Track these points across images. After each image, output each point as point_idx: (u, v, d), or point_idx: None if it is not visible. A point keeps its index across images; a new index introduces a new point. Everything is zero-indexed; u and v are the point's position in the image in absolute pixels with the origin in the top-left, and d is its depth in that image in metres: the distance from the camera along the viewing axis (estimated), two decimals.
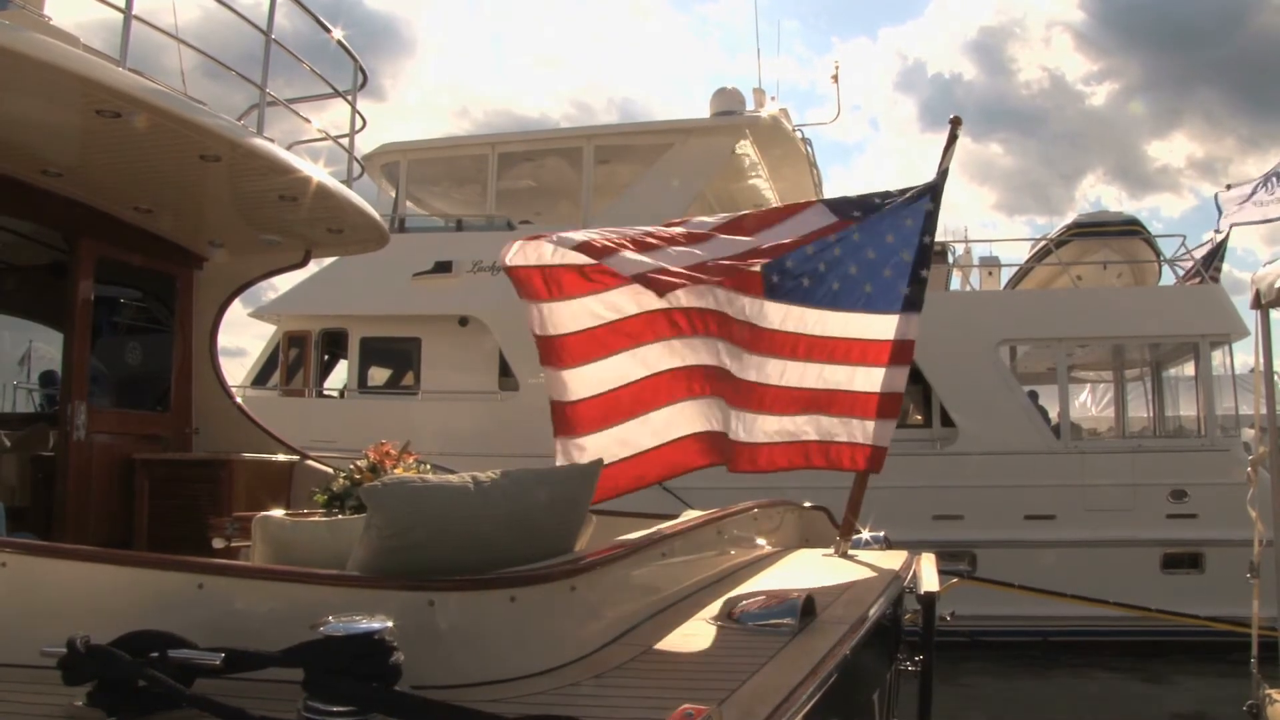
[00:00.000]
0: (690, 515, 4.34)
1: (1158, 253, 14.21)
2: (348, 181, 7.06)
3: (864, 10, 79.24)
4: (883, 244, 4.85)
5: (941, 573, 4.69)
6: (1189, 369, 13.84)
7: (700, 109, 17.13)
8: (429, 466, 4.91)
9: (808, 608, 3.10)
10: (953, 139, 5.35)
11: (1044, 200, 67.03)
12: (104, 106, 4.99)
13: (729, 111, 14.84)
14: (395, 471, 4.81)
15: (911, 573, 4.51)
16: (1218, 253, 13.42)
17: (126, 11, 5.10)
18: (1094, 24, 61.61)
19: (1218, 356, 12.97)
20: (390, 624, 2.06)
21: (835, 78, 16.22)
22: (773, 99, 15.49)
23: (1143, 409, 16.03)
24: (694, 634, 3.03)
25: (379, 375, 16.07)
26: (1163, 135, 70.47)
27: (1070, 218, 15.29)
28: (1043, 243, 15.21)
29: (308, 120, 7.30)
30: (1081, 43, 64.19)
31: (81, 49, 5.13)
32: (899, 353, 4.91)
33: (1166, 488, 12.07)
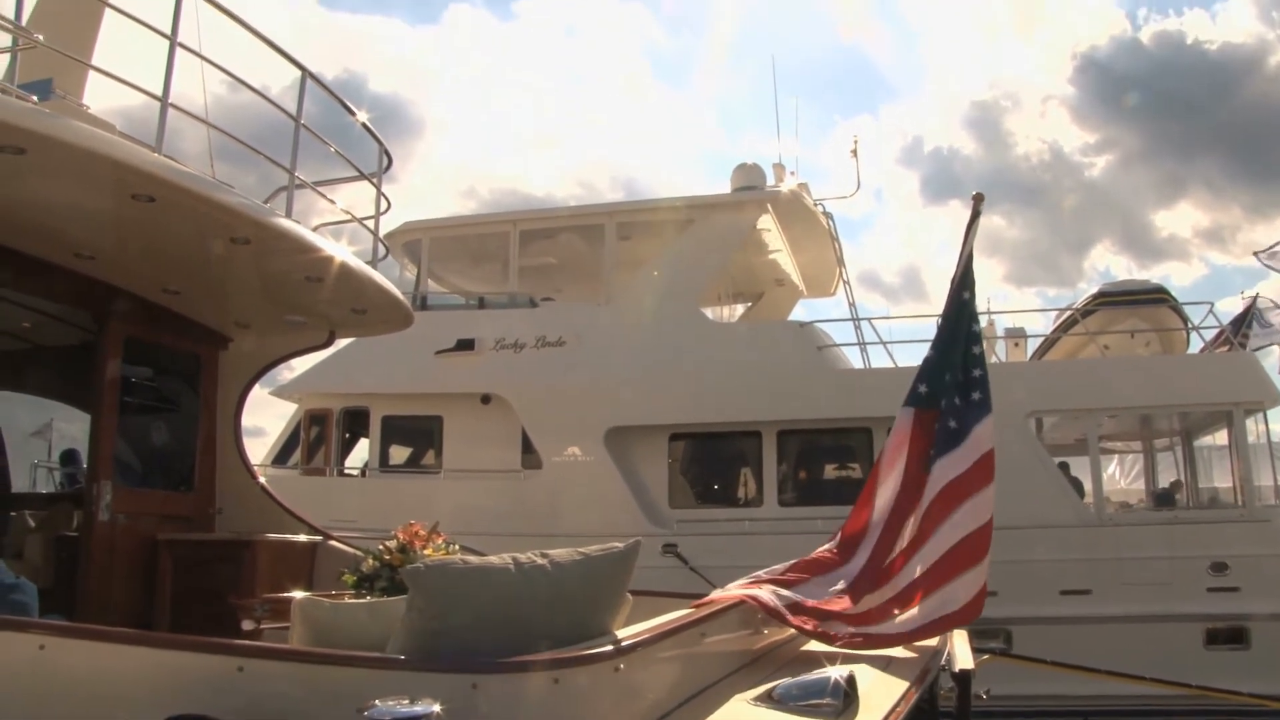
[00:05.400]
0: (720, 593, 4.28)
1: (1185, 320, 14.06)
2: (372, 262, 7.11)
3: (865, 88, 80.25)
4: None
5: (975, 650, 4.59)
6: (1219, 438, 13.60)
7: (701, 185, 17.24)
8: (458, 547, 4.85)
9: (849, 688, 3.03)
10: (975, 216, 5.32)
11: (1054, 271, 66.77)
12: (140, 191, 5.06)
13: (749, 186, 14.92)
14: (425, 552, 4.76)
15: (947, 650, 4.42)
16: (1246, 318, 13.29)
17: (164, 100, 5.20)
18: (1086, 98, 62.15)
19: (1249, 425, 12.76)
20: (437, 708, 2.02)
21: (854, 152, 16.21)
22: (792, 174, 15.60)
23: (1171, 480, 15.73)
24: (736, 715, 2.96)
25: (400, 454, 15.99)
26: (1168, 204, 70.50)
27: (1081, 288, 15.27)
28: (1069, 312, 15.09)
29: (333, 202, 7.38)
30: (1077, 115, 64.66)
31: (117, 135, 5.25)
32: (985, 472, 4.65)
33: (1206, 560, 11.74)
